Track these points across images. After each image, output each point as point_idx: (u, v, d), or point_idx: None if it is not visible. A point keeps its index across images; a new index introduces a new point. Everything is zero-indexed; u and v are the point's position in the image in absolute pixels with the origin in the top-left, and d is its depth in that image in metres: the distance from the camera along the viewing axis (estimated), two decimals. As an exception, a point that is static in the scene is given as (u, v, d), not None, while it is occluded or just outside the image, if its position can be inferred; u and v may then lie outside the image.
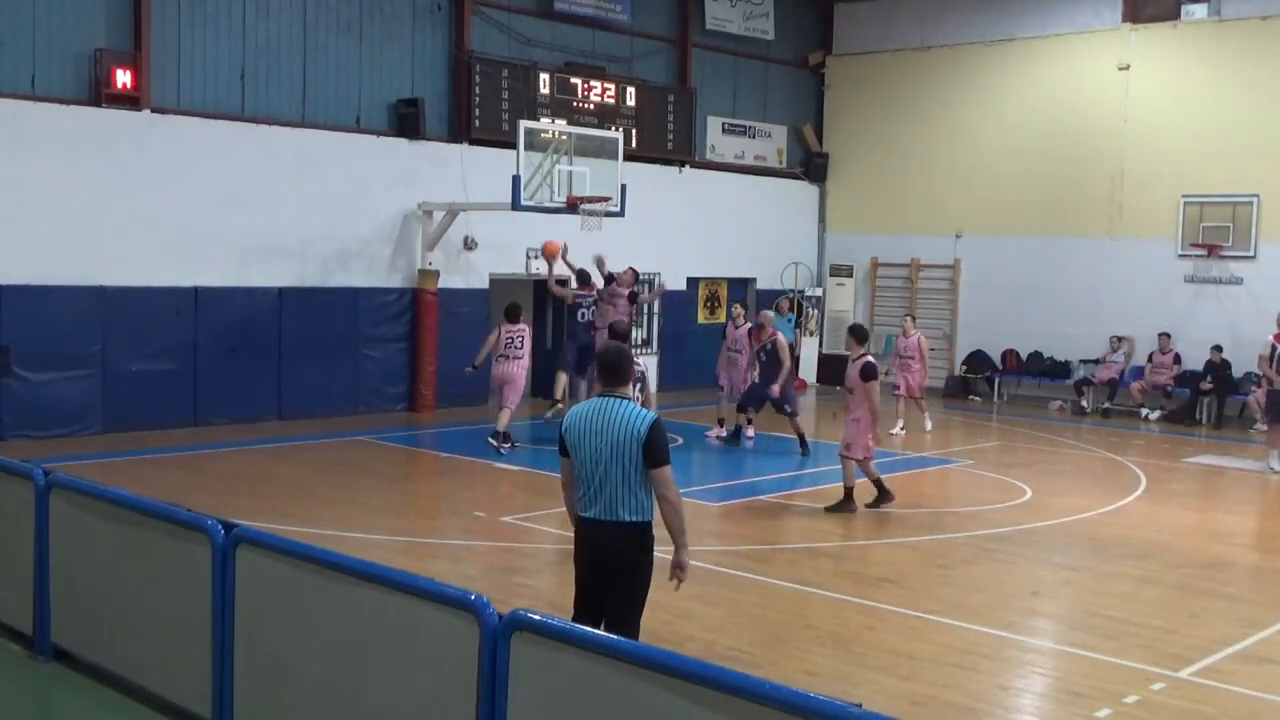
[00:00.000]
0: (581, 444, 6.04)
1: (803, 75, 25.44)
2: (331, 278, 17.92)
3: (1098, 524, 12.35)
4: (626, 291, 17.06)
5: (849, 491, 12.23)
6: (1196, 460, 16.79)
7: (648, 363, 16.56)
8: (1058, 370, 22.42)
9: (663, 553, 6.30)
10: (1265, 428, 19.40)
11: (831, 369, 24.52)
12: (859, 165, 25.12)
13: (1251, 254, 20.46)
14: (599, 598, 6.14)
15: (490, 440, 15.10)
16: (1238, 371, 20.32)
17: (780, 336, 16.19)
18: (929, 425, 18.45)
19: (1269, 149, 20.18)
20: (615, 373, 6.21)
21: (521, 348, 15.61)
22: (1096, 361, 21.66)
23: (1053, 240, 22.44)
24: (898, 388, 18.43)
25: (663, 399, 19.28)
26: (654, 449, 5.94)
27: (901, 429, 18.01)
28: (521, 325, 15.73)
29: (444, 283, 18.89)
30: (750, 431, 16.32)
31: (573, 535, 6.31)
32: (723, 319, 23.38)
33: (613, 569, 6.07)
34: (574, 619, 5.98)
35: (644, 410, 6.10)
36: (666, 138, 22.38)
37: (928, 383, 18.98)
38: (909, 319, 19.41)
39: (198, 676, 6.04)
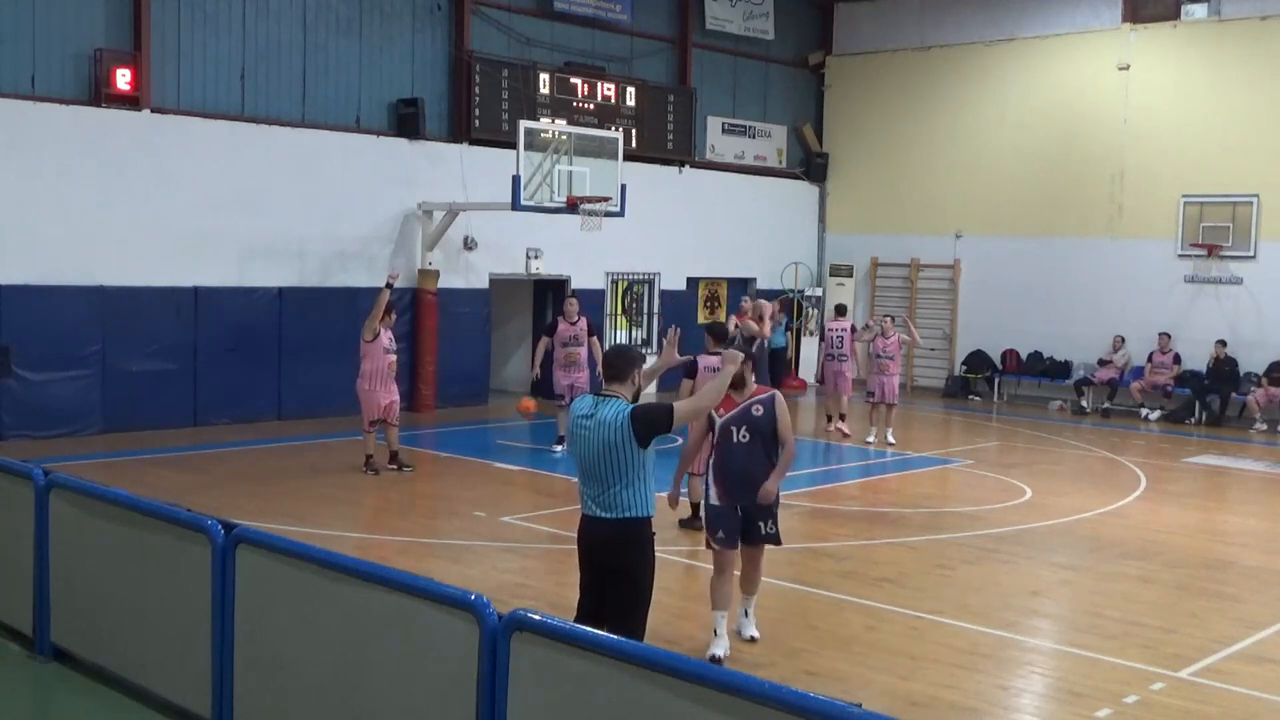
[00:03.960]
0: (576, 441, 6.18)
1: (803, 75, 25.45)
2: (331, 278, 17.92)
3: (1098, 524, 12.35)
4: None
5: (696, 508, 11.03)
6: (1196, 460, 16.79)
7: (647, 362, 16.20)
8: (1058, 370, 22.41)
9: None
10: (1264, 428, 19.45)
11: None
12: (859, 165, 25.12)
13: (1251, 254, 20.46)
14: (601, 597, 6.15)
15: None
16: (1239, 369, 20.34)
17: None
18: (892, 439, 16.98)
19: (1269, 149, 20.19)
20: (615, 370, 6.30)
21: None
22: (1102, 362, 21.63)
23: (1053, 240, 22.45)
24: (872, 393, 17.33)
25: (662, 399, 19.26)
26: (651, 417, 6.03)
27: (874, 438, 17.19)
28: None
29: (444, 283, 18.89)
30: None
31: (575, 535, 6.33)
32: (723, 318, 23.40)
33: (613, 566, 6.10)
34: (577, 619, 5.98)
35: (628, 403, 6.17)
36: (666, 138, 22.38)
37: (898, 388, 17.49)
38: (888, 319, 17.98)
39: (198, 676, 6.04)
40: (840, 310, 19.06)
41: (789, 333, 23.02)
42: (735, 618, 8.17)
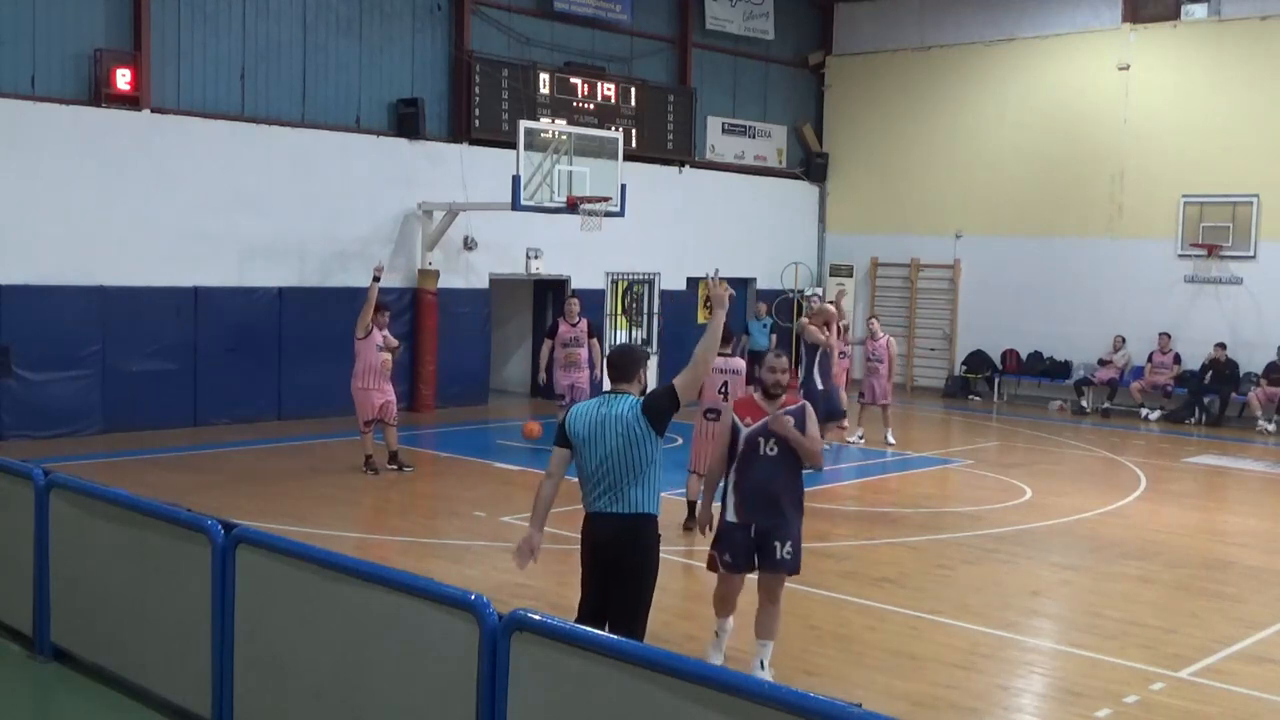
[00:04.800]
0: (588, 439, 6.10)
1: (803, 75, 25.45)
2: (331, 278, 17.92)
3: (1098, 524, 12.35)
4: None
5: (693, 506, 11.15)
6: (1196, 460, 16.79)
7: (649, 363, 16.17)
8: (1058, 370, 22.42)
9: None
10: (1272, 427, 19.41)
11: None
12: (859, 165, 25.12)
13: (1251, 254, 20.47)
14: (605, 595, 6.15)
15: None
16: (1239, 371, 20.34)
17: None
18: (892, 439, 16.90)
19: (1269, 149, 20.19)
20: (620, 370, 6.30)
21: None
22: (1102, 362, 21.61)
23: (1053, 240, 22.45)
24: (863, 395, 17.36)
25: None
26: (659, 397, 6.04)
27: (860, 438, 17.11)
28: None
29: (444, 283, 18.89)
30: None
31: (579, 535, 6.32)
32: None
33: (620, 564, 6.09)
34: (579, 619, 5.98)
35: (636, 397, 6.18)
36: (666, 138, 22.38)
37: (893, 388, 17.48)
38: (874, 320, 18.03)
39: (198, 676, 6.04)
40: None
41: (773, 335, 22.40)
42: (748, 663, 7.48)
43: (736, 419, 7.25)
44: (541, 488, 6.29)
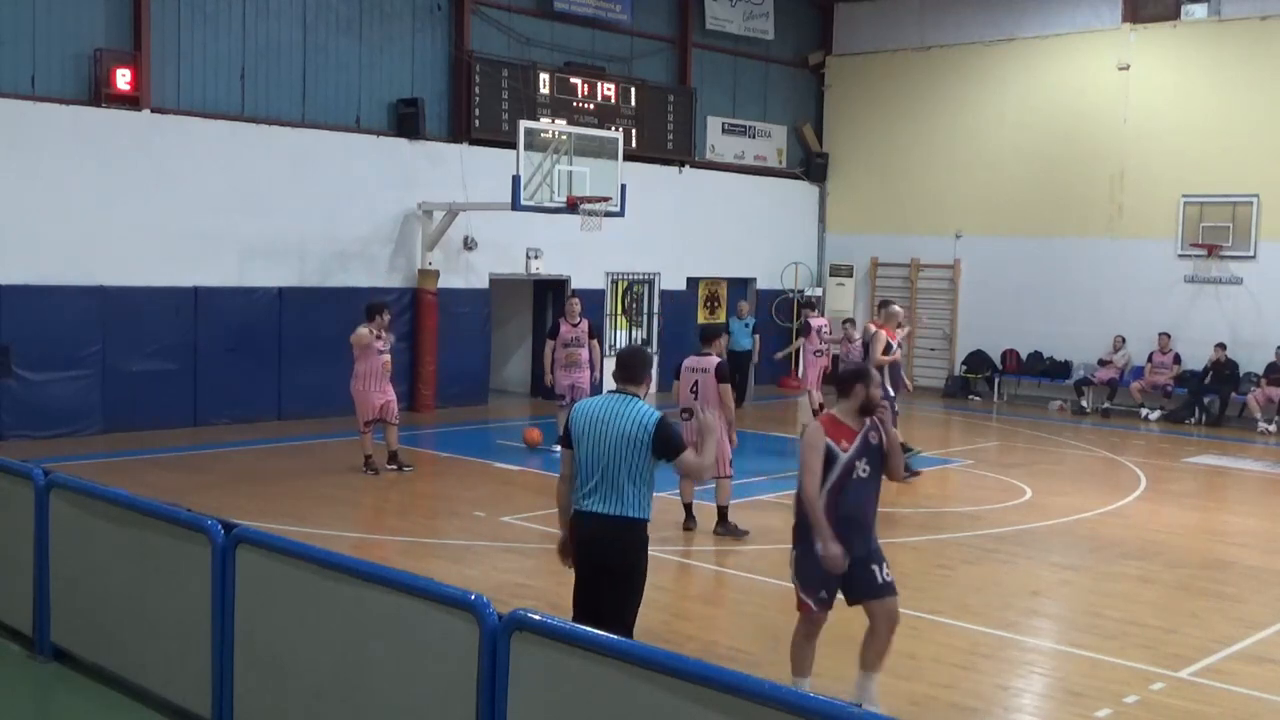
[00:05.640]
0: (587, 436, 6.13)
1: (803, 75, 25.44)
2: (331, 278, 17.92)
3: (1098, 524, 12.35)
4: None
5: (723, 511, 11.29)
6: (1196, 460, 16.79)
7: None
8: (1058, 370, 22.42)
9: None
10: (1272, 428, 19.40)
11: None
12: (859, 165, 25.12)
13: (1251, 254, 20.46)
14: (596, 595, 6.16)
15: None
16: (1239, 371, 20.33)
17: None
18: None
19: (1269, 149, 20.18)
20: (629, 371, 6.35)
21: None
22: (1102, 362, 21.61)
23: (1053, 240, 22.45)
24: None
25: (662, 401, 19.23)
26: (668, 441, 6.08)
27: None
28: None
29: (444, 283, 18.89)
30: None
31: (567, 532, 6.32)
32: (723, 318, 23.37)
33: (608, 564, 6.10)
34: (575, 618, 5.98)
35: (653, 409, 6.17)
36: (666, 138, 22.38)
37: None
38: (849, 324, 17.82)
39: (198, 676, 6.04)
40: (815, 305, 19.30)
41: (756, 335, 21.58)
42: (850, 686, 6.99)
43: (832, 444, 6.57)
44: (559, 494, 6.37)
